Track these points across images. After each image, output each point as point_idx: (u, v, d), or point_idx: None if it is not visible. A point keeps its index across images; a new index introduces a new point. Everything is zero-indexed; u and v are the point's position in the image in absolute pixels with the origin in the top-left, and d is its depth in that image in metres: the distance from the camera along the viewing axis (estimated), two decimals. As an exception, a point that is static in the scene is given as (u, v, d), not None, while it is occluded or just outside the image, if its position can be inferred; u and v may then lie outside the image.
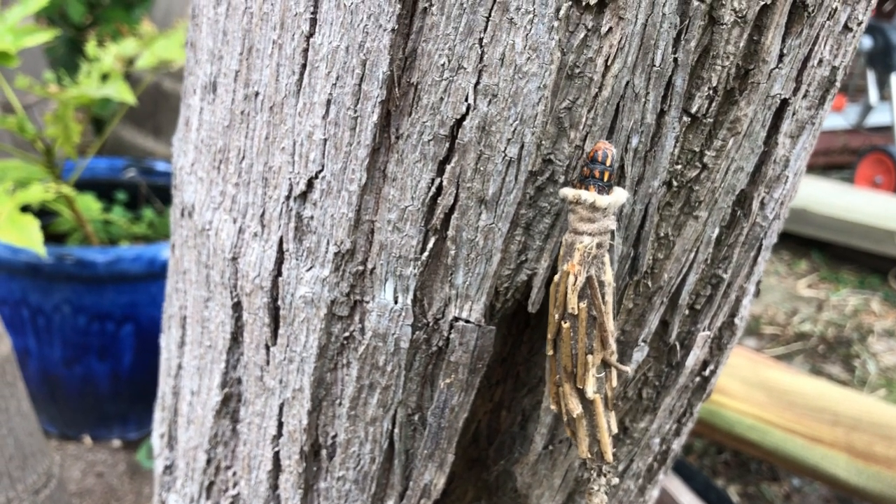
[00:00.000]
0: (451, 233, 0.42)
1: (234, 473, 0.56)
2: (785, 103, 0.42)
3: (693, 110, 0.41)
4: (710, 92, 0.40)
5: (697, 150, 0.42)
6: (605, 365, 0.41)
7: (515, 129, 0.39)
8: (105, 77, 1.41)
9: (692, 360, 0.51)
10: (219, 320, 0.52)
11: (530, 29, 0.37)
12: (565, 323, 0.40)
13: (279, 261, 0.46)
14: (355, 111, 0.40)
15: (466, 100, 0.39)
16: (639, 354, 0.49)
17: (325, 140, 0.42)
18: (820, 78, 0.43)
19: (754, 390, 1.21)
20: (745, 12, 0.38)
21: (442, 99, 0.39)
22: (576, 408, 0.41)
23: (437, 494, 0.50)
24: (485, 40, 0.37)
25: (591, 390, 0.40)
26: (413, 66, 0.39)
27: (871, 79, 3.31)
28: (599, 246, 0.39)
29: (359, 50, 0.39)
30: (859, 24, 0.43)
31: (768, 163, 0.44)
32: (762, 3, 0.38)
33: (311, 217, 0.44)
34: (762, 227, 0.47)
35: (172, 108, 2.25)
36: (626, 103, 0.39)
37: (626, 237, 0.44)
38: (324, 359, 0.47)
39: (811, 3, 0.39)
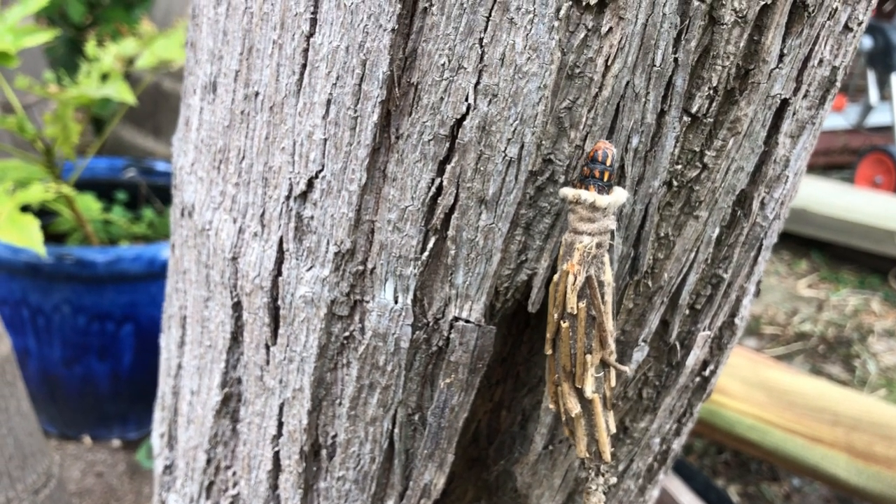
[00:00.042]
0: (451, 233, 0.42)
1: (234, 473, 0.56)
2: (785, 103, 0.42)
3: (693, 110, 0.41)
4: (711, 92, 0.40)
5: (698, 149, 0.42)
6: (604, 365, 0.41)
7: (515, 128, 0.39)
8: (105, 77, 1.41)
9: (692, 360, 0.51)
10: (219, 320, 0.52)
11: (530, 29, 0.37)
12: (564, 322, 0.40)
13: (279, 260, 0.46)
14: (355, 111, 0.40)
15: (467, 100, 0.39)
16: (639, 354, 0.49)
17: (326, 140, 0.42)
18: (820, 78, 0.43)
19: (754, 390, 1.21)
20: (745, 12, 0.38)
21: (442, 99, 0.39)
22: (574, 407, 0.41)
23: (437, 494, 0.49)
24: (485, 40, 0.37)
25: (589, 390, 0.40)
26: (413, 65, 0.39)
27: (871, 79, 3.31)
28: (599, 246, 0.39)
29: (359, 50, 0.39)
30: (860, 24, 0.43)
31: (768, 163, 0.44)
32: (762, 2, 0.38)
33: (312, 217, 0.44)
34: (762, 227, 0.47)
35: (172, 108, 2.25)
36: (627, 103, 0.39)
37: (626, 237, 0.44)
38: (324, 358, 0.47)
39: (811, 3, 0.39)
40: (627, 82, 0.39)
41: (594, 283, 0.39)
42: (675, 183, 0.43)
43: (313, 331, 0.46)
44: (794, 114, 0.43)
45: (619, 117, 0.40)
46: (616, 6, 0.37)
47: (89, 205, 1.44)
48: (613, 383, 0.41)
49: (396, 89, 0.39)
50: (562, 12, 0.37)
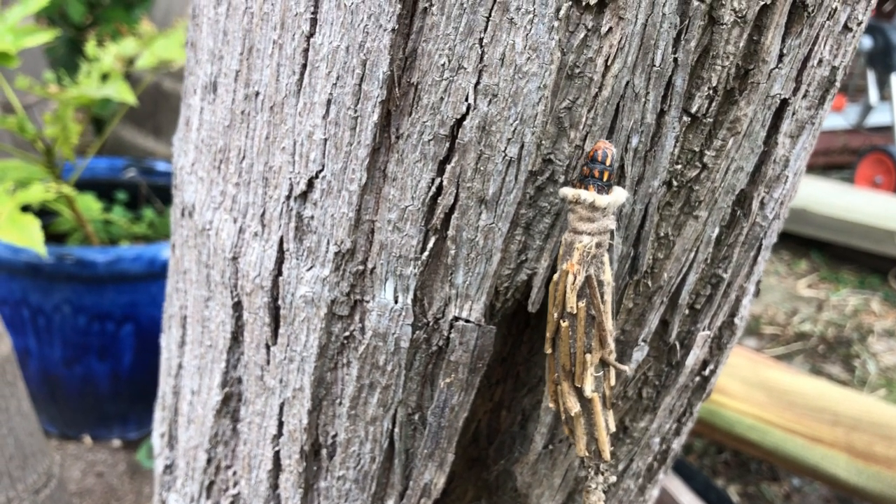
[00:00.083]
0: (451, 232, 0.42)
1: (235, 473, 0.56)
2: (785, 103, 0.42)
3: (693, 110, 0.41)
4: (710, 92, 0.40)
5: (697, 149, 0.42)
6: (604, 364, 0.41)
7: (515, 128, 0.39)
8: (105, 77, 1.41)
9: (692, 360, 0.51)
10: (219, 320, 0.52)
11: (530, 29, 0.37)
12: (564, 322, 0.40)
13: (279, 260, 0.46)
14: (355, 111, 0.40)
15: (466, 100, 0.39)
16: (639, 354, 0.49)
17: (326, 140, 0.42)
18: (820, 78, 0.43)
19: (754, 390, 1.21)
20: (744, 12, 0.38)
21: (442, 99, 0.39)
22: (574, 406, 0.41)
23: (437, 494, 0.50)
24: (485, 40, 0.38)
25: (589, 389, 0.40)
26: (413, 65, 0.39)
27: (871, 79, 3.31)
28: (599, 245, 0.39)
29: (359, 50, 0.39)
30: (859, 24, 0.43)
31: (768, 162, 0.44)
32: (762, 3, 0.38)
33: (312, 217, 0.44)
34: (762, 227, 0.47)
35: (172, 108, 2.25)
36: (626, 103, 0.39)
37: (626, 237, 0.44)
38: (324, 358, 0.47)
39: (811, 3, 0.39)
40: (627, 82, 0.39)
41: (594, 283, 0.39)
42: (674, 183, 0.43)
43: (313, 330, 0.46)
44: (793, 114, 0.43)
45: (619, 117, 0.40)
46: (616, 6, 0.37)
47: (89, 205, 1.44)
48: (613, 382, 0.41)
49: (396, 89, 0.40)
50: (562, 12, 0.37)
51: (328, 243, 0.44)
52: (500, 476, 0.54)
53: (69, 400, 1.41)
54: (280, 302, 0.47)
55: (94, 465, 1.41)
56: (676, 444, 0.58)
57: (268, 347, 0.49)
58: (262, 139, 0.45)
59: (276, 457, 0.51)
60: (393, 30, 0.38)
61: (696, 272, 0.47)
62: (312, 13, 0.41)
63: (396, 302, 0.44)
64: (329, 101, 0.41)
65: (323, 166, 0.43)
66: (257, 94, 0.45)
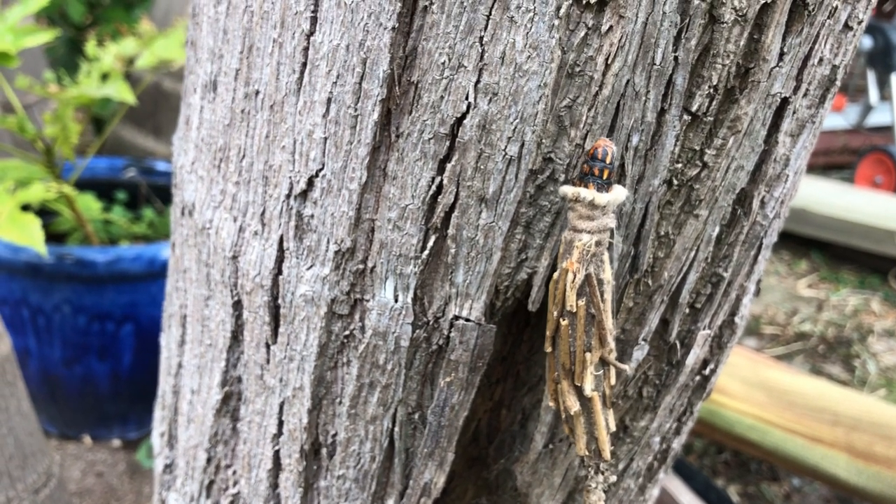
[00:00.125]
0: (451, 231, 0.42)
1: (235, 472, 0.56)
2: (785, 102, 0.42)
3: (693, 109, 0.41)
4: (711, 90, 0.40)
5: (698, 148, 0.42)
6: (604, 363, 0.41)
7: (516, 127, 0.39)
8: (105, 77, 1.41)
9: (692, 359, 0.51)
10: (219, 319, 0.52)
11: (531, 27, 0.37)
12: (564, 320, 0.40)
13: (279, 259, 0.46)
14: (356, 110, 0.40)
15: (467, 98, 0.39)
16: (639, 353, 0.49)
17: (326, 138, 0.42)
18: (820, 77, 0.43)
19: (754, 390, 1.21)
20: (745, 11, 0.38)
21: (442, 97, 0.39)
22: (573, 405, 0.41)
23: (437, 493, 0.50)
24: (485, 39, 0.37)
25: (588, 388, 0.40)
26: (413, 64, 0.39)
27: (871, 79, 3.31)
28: (598, 244, 0.39)
29: (359, 48, 0.39)
30: (860, 23, 0.43)
31: (769, 161, 0.44)
32: (762, 1, 0.38)
33: (312, 215, 0.44)
34: (762, 226, 0.47)
35: (172, 108, 2.25)
36: (627, 102, 0.39)
37: (626, 235, 0.44)
38: (324, 357, 0.47)
39: (811, 2, 0.39)
40: (628, 81, 0.39)
41: (593, 282, 0.39)
42: (675, 181, 0.43)
43: (313, 329, 0.46)
44: (794, 112, 0.43)
45: (620, 116, 0.40)
46: (616, 5, 0.37)
47: (89, 204, 1.44)
48: (613, 381, 0.41)
49: (397, 88, 0.40)
50: (562, 11, 0.37)
51: (328, 242, 0.44)
52: (500, 475, 0.54)
53: (69, 400, 1.41)
54: (280, 301, 0.47)
55: (94, 464, 1.41)
56: (677, 444, 0.58)
57: (268, 346, 0.49)
58: (262, 138, 0.45)
59: (276, 456, 0.51)
60: (393, 28, 0.38)
61: (696, 271, 0.47)
62: (312, 12, 0.41)
63: (396, 301, 0.44)
64: (329, 100, 0.41)
65: (323, 165, 0.43)
66: (257, 92, 0.45)
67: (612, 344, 0.40)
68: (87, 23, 2.10)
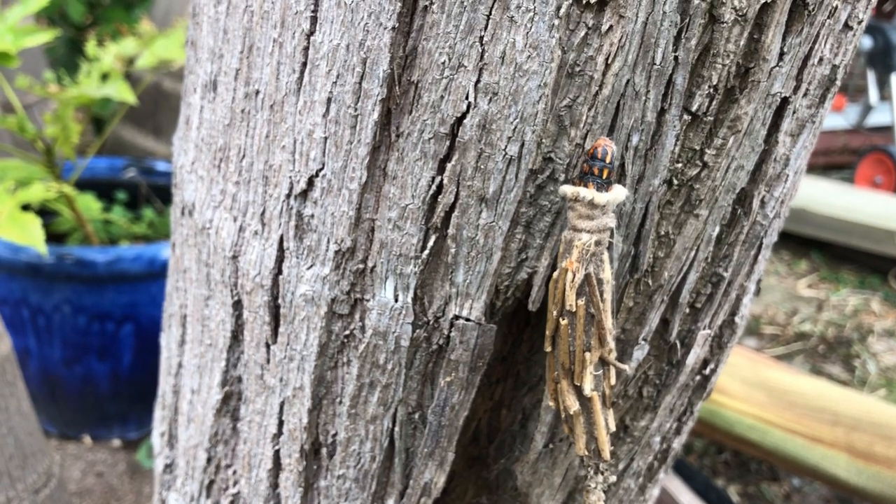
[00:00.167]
0: (451, 231, 0.42)
1: (235, 472, 0.56)
2: (785, 102, 0.42)
3: (693, 108, 0.41)
4: (711, 90, 0.40)
5: (698, 148, 0.42)
6: (604, 363, 0.41)
7: (516, 127, 0.39)
8: (105, 77, 1.41)
9: (693, 359, 0.51)
10: (219, 318, 0.52)
11: (531, 27, 0.37)
12: (563, 320, 0.40)
13: (280, 259, 0.46)
14: (356, 109, 0.40)
15: (467, 98, 0.39)
16: (639, 353, 0.49)
17: (326, 138, 0.42)
18: (820, 76, 0.43)
19: (754, 390, 1.21)
20: (745, 10, 0.38)
21: (442, 97, 0.39)
22: (573, 405, 0.41)
23: (437, 493, 0.50)
24: (485, 38, 0.37)
25: (588, 387, 0.40)
26: (413, 64, 0.39)
27: (871, 79, 3.31)
28: (598, 243, 0.39)
29: (359, 48, 0.39)
30: (860, 23, 0.43)
31: (769, 161, 0.44)
32: (762, 1, 0.38)
33: (312, 215, 0.44)
34: (763, 226, 0.47)
35: (172, 108, 2.25)
36: (627, 101, 0.39)
37: (626, 235, 0.44)
38: (324, 357, 0.47)
39: (811, 2, 0.39)
40: (628, 80, 0.39)
41: (593, 281, 0.39)
42: (675, 181, 0.43)
43: (314, 329, 0.46)
44: (794, 112, 0.43)
45: (620, 116, 0.40)
46: (616, 4, 0.37)
47: (89, 204, 1.44)
48: (613, 381, 0.41)
49: (397, 87, 0.40)
50: (562, 10, 0.37)
51: (328, 242, 0.44)
52: (500, 475, 0.54)
53: (69, 400, 1.41)
54: (280, 300, 0.47)
55: (94, 464, 1.41)
56: (677, 444, 0.58)
57: (268, 346, 0.49)
58: (262, 138, 0.45)
59: (276, 456, 0.51)
60: (393, 28, 0.38)
61: (696, 271, 0.47)
62: (313, 11, 0.41)
63: (397, 300, 0.44)
64: (329, 100, 0.41)
65: (323, 165, 0.43)
66: (257, 92, 0.45)
67: (611, 344, 0.40)
68: (87, 23, 2.10)
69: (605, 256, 0.40)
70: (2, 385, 0.85)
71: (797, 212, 2.63)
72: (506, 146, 0.40)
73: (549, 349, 0.42)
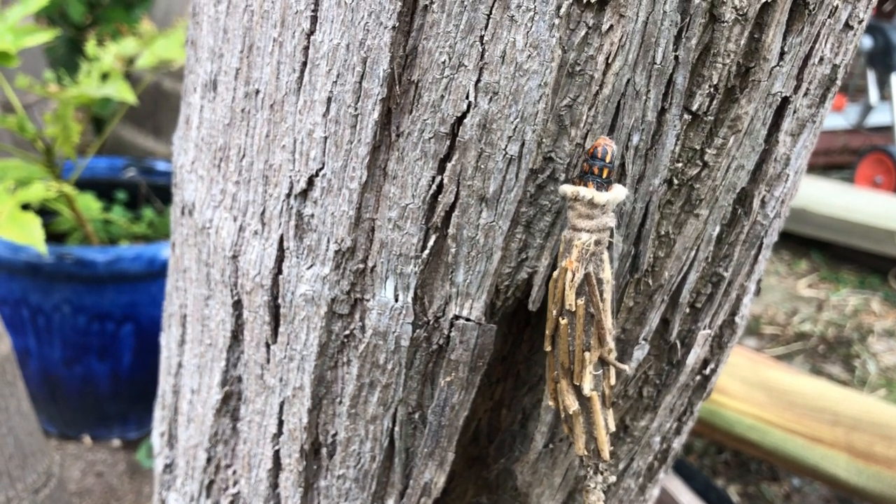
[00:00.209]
0: (451, 231, 0.42)
1: (235, 472, 0.56)
2: (786, 101, 0.42)
3: (694, 108, 0.41)
4: (711, 90, 0.40)
5: (698, 148, 0.42)
6: (604, 363, 0.41)
7: (516, 126, 0.39)
8: (105, 77, 1.41)
9: (693, 359, 0.51)
10: (219, 318, 0.52)
11: (531, 26, 0.37)
12: (563, 319, 0.40)
13: (280, 259, 0.46)
14: (356, 109, 0.40)
15: (467, 97, 0.39)
16: (639, 352, 0.49)
17: (326, 138, 0.42)
18: (821, 76, 0.43)
19: (754, 390, 1.21)
20: (745, 10, 0.38)
21: (443, 97, 0.39)
22: (572, 404, 0.41)
23: (437, 493, 0.49)
24: (486, 38, 0.37)
25: (587, 387, 0.40)
26: (414, 63, 0.39)
27: (871, 79, 3.31)
28: (598, 243, 0.39)
29: (359, 47, 0.39)
30: (860, 22, 0.43)
31: (769, 161, 0.44)
32: (763, 0, 0.38)
33: (312, 215, 0.44)
34: (763, 226, 0.47)
35: (172, 108, 2.25)
36: (627, 101, 0.39)
37: (626, 235, 0.44)
38: (324, 357, 0.47)
39: (812, 1, 0.39)
40: (628, 80, 0.39)
41: (593, 281, 0.39)
42: (675, 181, 0.43)
43: (314, 329, 0.46)
44: (794, 112, 0.43)
45: (620, 115, 0.40)
46: (617, 4, 0.37)
47: (89, 204, 1.44)
48: (613, 381, 0.41)
49: (397, 87, 0.39)
50: (562, 10, 0.37)
51: (328, 241, 0.44)
52: (500, 475, 0.54)
53: (69, 400, 1.41)
54: (280, 300, 0.47)
55: (94, 464, 1.41)
56: (677, 444, 0.58)
57: (268, 346, 0.49)
58: (262, 137, 0.45)
59: (276, 456, 0.51)
60: (393, 27, 0.38)
61: (696, 271, 0.47)
62: (313, 11, 0.41)
63: (397, 300, 0.44)
64: (329, 99, 0.41)
65: (323, 164, 0.43)
66: (257, 92, 0.45)
67: (611, 343, 0.40)
68: (87, 23, 2.10)
69: (605, 256, 0.40)
70: (2, 385, 0.85)
71: (797, 212, 2.63)
72: (506, 146, 0.39)
73: (548, 349, 0.42)
